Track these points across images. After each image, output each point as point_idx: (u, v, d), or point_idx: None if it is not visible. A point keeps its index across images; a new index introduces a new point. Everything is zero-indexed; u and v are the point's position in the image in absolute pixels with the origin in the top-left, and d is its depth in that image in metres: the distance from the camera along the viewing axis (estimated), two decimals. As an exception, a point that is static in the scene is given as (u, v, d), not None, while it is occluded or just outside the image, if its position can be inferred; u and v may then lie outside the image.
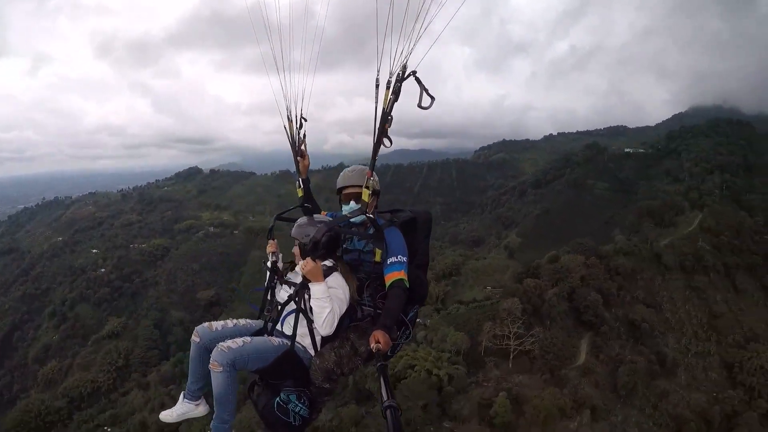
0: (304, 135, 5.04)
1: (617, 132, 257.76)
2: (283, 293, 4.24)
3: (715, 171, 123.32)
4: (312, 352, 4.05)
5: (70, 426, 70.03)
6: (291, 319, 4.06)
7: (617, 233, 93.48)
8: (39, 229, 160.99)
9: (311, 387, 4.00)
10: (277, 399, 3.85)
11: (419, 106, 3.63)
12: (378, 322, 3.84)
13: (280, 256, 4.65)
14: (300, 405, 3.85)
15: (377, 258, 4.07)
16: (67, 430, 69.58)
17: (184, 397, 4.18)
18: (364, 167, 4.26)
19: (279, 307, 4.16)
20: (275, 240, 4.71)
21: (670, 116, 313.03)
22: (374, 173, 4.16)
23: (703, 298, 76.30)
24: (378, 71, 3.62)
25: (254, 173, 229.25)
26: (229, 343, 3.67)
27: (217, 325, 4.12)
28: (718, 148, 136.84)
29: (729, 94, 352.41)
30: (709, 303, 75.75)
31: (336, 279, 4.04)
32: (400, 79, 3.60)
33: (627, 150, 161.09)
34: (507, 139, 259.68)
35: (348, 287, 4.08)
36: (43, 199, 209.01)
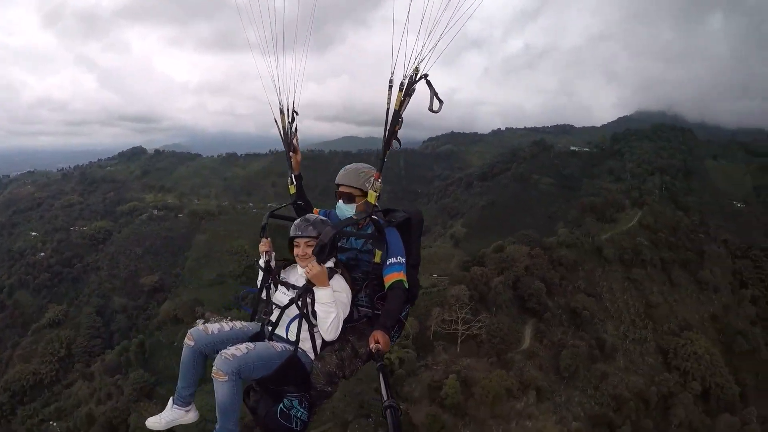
0: (296, 129, 5.28)
1: (564, 130, 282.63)
2: (279, 295, 4.44)
3: (655, 173, 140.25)
4: (312, 356, 4.28)
5: (13, 422, 71.16)
6: (291, 322, 4.28)
7: (561, 226, 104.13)
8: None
9: (311, 391, 4.22)
10: (280, 406, 4.08)
11: (430, 109, 3.98)
12: (377, 322, 4.16)
13: (273, 255, 4.79)
14: (302, 410, 4.08)
15: (377, 258, 4.37)
16: (10, 426, 70.53)
17: (174, 402, 4.28)
18: (361, 167, 4.70)
19: (274, 309, 4.39)
20: (269, 238, 4.86)
21: (615, 119, 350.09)
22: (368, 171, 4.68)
23: (640, 289, 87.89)
24: (392, 72, 3.87)
25: (200, 155, 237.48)
26: (232, 350, 3.84)
27: (213, 328, 4.28)
28: (660, 151, 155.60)
29: (674, 102, 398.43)
30: (646, 294, 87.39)
31: (339, 282, 4.25)
32: (413, 81, 3.92)
33: (573, 148, 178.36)
34: (456, 131, 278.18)
35: (350, 290, 4.32)
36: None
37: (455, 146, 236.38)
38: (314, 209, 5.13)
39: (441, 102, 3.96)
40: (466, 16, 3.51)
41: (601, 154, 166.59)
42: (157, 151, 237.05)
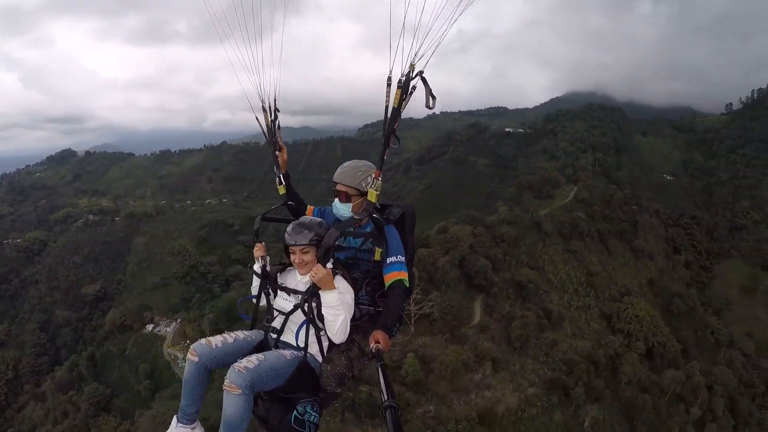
0: (279, 126, 5.67)
1: (498, 113, 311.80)
2: (280, 301, 4.77)
3: (588, 150, 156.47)
4: (320, 359, 4.64)
5: (-33, 457, 69.91)
6: (295, 327, 4.60)
7: (500, 204, 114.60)
8: None
9: (321, 393, 4.60)
10: (294, 413, 4.43)
11: (426, 106, 4.34)
12: (378, 321, 4.60)
13: (268, 259, 5.08)
14: (314, 414, 4.46)
15: (377, 256, 4.75)
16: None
17: (179, 421, 4.41)
18: (359, 165, 4.97)
19: (277, 316, 4.73)
20: (263, 243, 5.15)
21: (547, 100, 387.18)
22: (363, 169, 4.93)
23: (580, 260, 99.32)
24: (390, 70, 4.19)
25: (133, 154, 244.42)
26: (244, 362, 4.08)
27: (216, 341, 4.47)
28: (591, 130, 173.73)
29: (604, 83, 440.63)
30: (586, 264, 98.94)
31: (342, 283, 4.58)
32: (409, 78, 4.24)
33: (507, 129, 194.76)
34: None
35: (353, 290, 4.66)
36: None
37: None
38: (308, 207, 5.51)
39: (434, 98, 4.30)
40: (459, 11, 3.84)
41: (535, 134, 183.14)
42: (87, 153, 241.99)
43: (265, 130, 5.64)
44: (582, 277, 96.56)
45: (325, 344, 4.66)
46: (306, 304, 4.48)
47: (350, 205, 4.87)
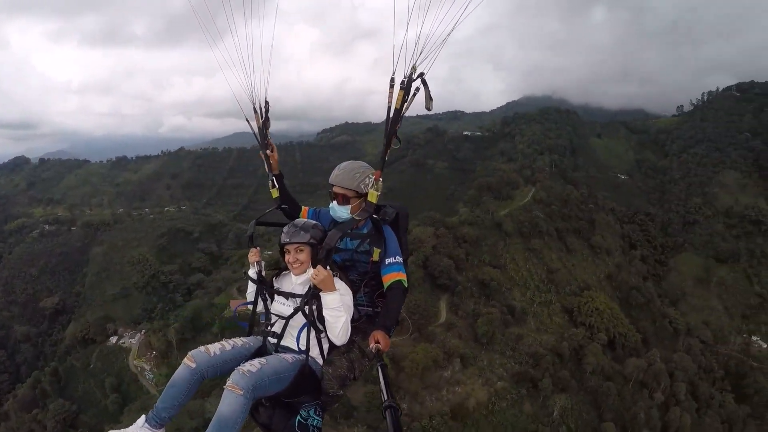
0: (268, 126, 5.64)
1: (455, 116, 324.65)
2: (278, 305, 4.86)
3: (545, 152, 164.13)
4: (320, 361, 4.72)
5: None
6: (295, 331, 4.67)
7: (461, 206, 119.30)
8: None
9: (323, 396, 4.69)
10: (298, 418, 4.53)
11: (426, 108, 4.45)
12: (378, 322, 4.67)
13: (263, 264, 5.13)
14: (317, 418, 4.56)
15: (375, 257, 4.88)
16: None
17: (146, 421, 4.27)
18: (356, 167, 5.01)
19: (276, 321, 4.80)
20: (258, 247, 5.18)
21: (504, 104, 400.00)
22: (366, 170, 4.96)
23: (540, 257, 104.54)
24: (393, 71, 4.23)
25: (88, 161, 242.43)
26: (247, 366, 4.16)
27: (214, 348, 4.52)
28: (547, 132, 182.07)
29: (559, 87, 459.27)
30: (546, 261, 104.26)
31: (341, 284, 4.67)
32: (411, 80, 4.30)
33: (465, 133, 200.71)
34: (349, 121, 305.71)
35: (351, 291, 4.76)
36: None
37: (350, 136, 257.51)
38: (303, 209, 5.59)
39: (432, 99, 4.44)
40: (467, 13, 3.84)
41: (493, 137, 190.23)
42: (41, 160, 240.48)
43: (256, 131, 5.61)
44: (543, 274, 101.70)
45: (326, 346, 4.75)
46: (306, 307, 4.57)
47: (349, 207, 4.95)
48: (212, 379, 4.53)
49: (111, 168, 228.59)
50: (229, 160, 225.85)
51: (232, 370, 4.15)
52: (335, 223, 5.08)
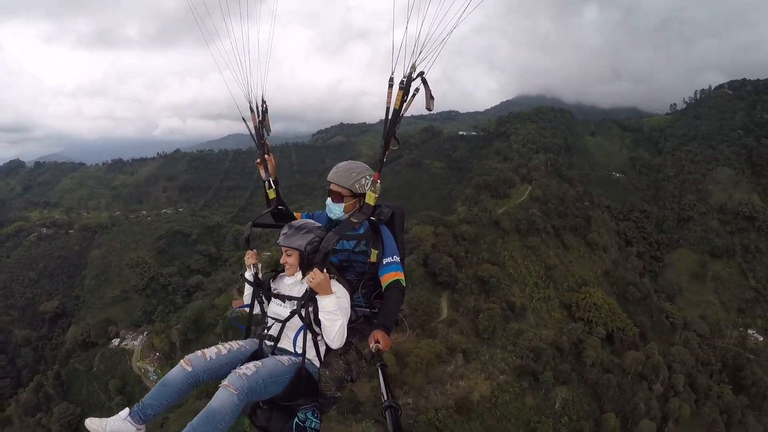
0: (266, 128, 5.72)
1: (449, 117, 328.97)
2: (275, 307, 4.93)
3: (540, 151, 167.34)
4: (317, 364, 4.77)
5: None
6: (292, 334, 4.72)
7: (459, 205, 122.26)
8: None
9: (320, 399, 4.75)
10: (295, 420, 4.59)
11: (427, 108, 4.41)
12: (377, 322, 4.72)
13: (260, 266, 5.21)
14: (315, 420, 4.62)
15: (373, 258, 4.93)
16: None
17: (130, 414, 4.21)
18: (353, 167, 5.04)
19: (273, 323, 4.85)
20: (254, 250, 5.25)
21: (498, 103, 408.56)
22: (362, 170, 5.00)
23: (538, 254, 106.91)
24: (392, 71, 4.23)
25: (84, 164, 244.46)
26: (243, 369, 4.21)
27: (211, 353, 4.53)
28: (542, 131, 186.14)
29: (552, 86, 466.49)
30: (544, 258, 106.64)
31: (338, 287, 4.70)
32: (411, 80, 4.30)
33: (461, 133, 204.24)
34: (345, 122, 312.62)
35: (348, 293, 4.79)
36: None
37: (345, 137, 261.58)
38: (296, 214, 5.60)
39: (433, 98, 4.39)
40: (468, 11, 3.77)
41: (488, 136, 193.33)
42: (37, 164, 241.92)
43: (253, 132, 5.67)
44: (541, 271, 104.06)
45: (323, 349, 4.76)
46: (303, 310, 4.59)
47: (342, 205, 5.00)
48: (209, 383, 4.58)
49: (107, 171, 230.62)
50: (225, 162, 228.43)
51: (228, 373, 4.20)
52: (330, 224, 5.13)
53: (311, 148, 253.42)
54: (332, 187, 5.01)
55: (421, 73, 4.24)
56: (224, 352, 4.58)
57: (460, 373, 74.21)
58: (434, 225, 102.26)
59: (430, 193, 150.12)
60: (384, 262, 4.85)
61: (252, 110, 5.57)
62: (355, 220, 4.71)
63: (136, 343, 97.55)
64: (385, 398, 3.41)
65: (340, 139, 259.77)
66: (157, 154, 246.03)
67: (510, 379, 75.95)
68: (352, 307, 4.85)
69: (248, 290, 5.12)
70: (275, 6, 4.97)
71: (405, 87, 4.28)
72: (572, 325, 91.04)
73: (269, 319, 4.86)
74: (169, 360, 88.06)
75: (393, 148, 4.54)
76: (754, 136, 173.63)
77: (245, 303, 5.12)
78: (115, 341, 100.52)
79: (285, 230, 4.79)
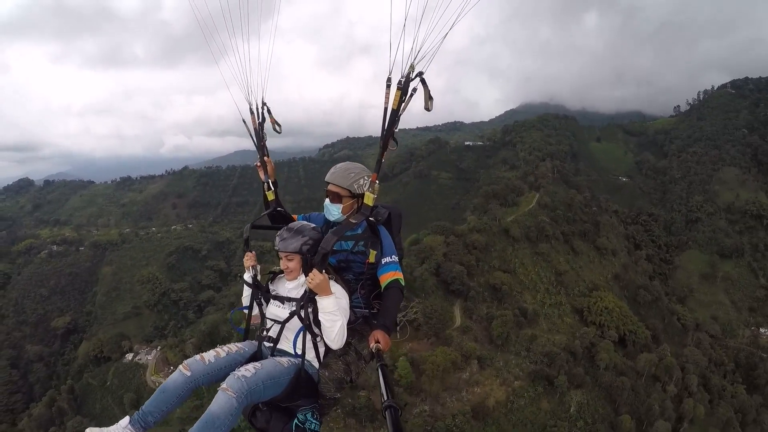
0: (266, 132, 5.81)
1: (455, 127, 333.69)
2: (274, 309, 4.94)
3: (546, 158, 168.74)
4: (316, 365, 4.78)
5: None
6: (291, 335, 4.74)
7: (468, 214, 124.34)
8: None
9: (320, 400, 4.79)
10: (295, 422, 4.61)
11: (425, 108, 4.43)
12: (377, 322, 4.76)
13: (259, 268, 5.23)
14: (315, 421, 4.65)
15: (371, 258, 4.97)
16: None
17: (131, 423, 4.20)
18: (351, 167, 5.09)
19: (272, 325, 4.88)
20: (253, 252, 5.30)
21: (502, 112, 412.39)
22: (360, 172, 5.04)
23: (548, 260, 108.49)
24: (390, 71, 4.26)
25: (93, 182, 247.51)
26: (242, 371, 4.20)
27: (209, 356, 4.51)
28: (547, 139, 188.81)
29: (555, 93, 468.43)
30: (554, 264, 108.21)
31: (337, 288, 4.71)
32: (409, 80, 4.31)
33: (467, 143, 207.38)
34: (350, 136, 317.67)
35: (347, 294, 4.81)
36: None
37: (351, 151, 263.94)
38: (293, 216, 5.62)
39: (432, 98, 4.40)
40: (466, 9, 3.80)
41: (494, 146, 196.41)
42: (46, 182, 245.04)
43: (253, 134, 5.74)
44: (552, 277, 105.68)
45: (322, 350, 4.78)
46: (302, 311, 4.60)
47: (340, 206, 5.00)
48: (209, 387, 4.61)
49: (116, 188, 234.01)
50: (233, 178, 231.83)
51: (227, 376, 4.21)
52: (328, 225, 5.17)
53: (318, 162, 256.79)
54: (330, 187, 5.03)
55: (420, 73, 4.30)
56: (223, 355, 4.58)
57: (475, 380, 75.93)
58: (445, 235, 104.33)
59: (438, 204, 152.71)
60: (383, 262, 4.93)
61: (252, 112, 5.72)
62: (353, 221, 4.75)
63: (149, 357, 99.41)
64: (385, 398, 3.48)
65: (347, 153, 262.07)
66: (166, 171, 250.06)
67: (525, 384, 77.54)
68: (351, 308, 4.89)
69: (247, 292, 5.13)
70: (276, 5, 5.07)
71: (403, 87, 4.34)
72: (584, 330, 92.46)
73: (268, 320, 4.93)
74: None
75: (392, 149, 4.64)
76: (758, 134, 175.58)
77: (244, 305, 5.13)
78: (129, 356, 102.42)
79: (281, 235, 4.81)
